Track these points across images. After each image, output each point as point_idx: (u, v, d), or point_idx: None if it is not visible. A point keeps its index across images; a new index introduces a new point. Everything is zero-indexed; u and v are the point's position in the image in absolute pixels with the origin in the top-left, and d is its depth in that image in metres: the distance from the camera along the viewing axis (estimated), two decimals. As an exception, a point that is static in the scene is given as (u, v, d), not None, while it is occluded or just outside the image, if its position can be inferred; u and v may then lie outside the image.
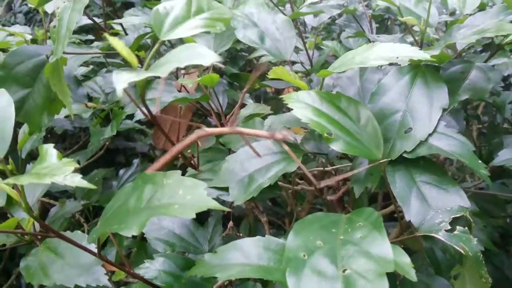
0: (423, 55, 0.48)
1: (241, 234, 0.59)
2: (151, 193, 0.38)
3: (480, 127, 0.95)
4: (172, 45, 0.85)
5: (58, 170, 0.35)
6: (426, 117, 0.51)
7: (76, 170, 0.38)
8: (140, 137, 1.24)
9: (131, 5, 1.61)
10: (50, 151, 0.38)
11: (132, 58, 0.38)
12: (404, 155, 0.49)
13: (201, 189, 0.37)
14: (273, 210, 0.96)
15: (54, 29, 0.53)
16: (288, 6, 0.86)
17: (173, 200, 0.37)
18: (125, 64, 0.95)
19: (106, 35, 0.36)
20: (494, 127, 0.90)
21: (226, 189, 0.50)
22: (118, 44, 0.37)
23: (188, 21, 0.45)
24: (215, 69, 0.90)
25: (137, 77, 0.32)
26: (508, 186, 0.87)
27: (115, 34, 1.01)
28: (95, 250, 0.46)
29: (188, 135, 0.46)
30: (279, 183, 0.55)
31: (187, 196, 0.37)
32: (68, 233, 0.49)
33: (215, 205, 0.36)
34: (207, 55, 0.34)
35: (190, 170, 0.59)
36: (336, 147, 0.46)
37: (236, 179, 0.49)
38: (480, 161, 0.46)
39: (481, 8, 0.85)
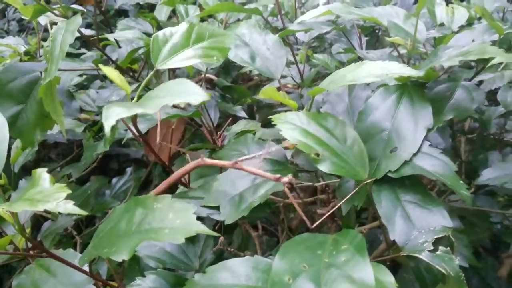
0: (413, 72, 0.49)
1: (232, 250, 0.60)
2: (142, 216, 0.40)
3: (469, 137, 0.96)
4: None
5: (51, 196, 0.36)
6: (411, 136, 0.52)
7: (70, 181, 0.39)
8: (133, 142, 1.24)
9: (125, 12, 1.61)
10: (43, 175, 0.39)
11: (125, 86, 0.39)
12: (389, 174, 0.50)
13: (190, 213, 0.38)
14: (266, 217, 0.97)
15: (47, 49, 0.54)
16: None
17: (163, 224, 0.38)
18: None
19: (100, 66, 0.37)
20: (482, 138, 0.91)
21: (217, 207, 0.51)
22: (112, 73, 0.38)
23: (186, 50, 0.46)
24: (207, 81, 0.92)
25: (128, 113, 0.33)
26: (497, 193, 0.88)
27: (108, 45, 1.02)
28: (87, 269, 0.47)
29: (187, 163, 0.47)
30: (270, 196, 0.56)
31: (177, 220, 0.38)
32: (60, 251, 0.49)
33: (204, 229, 0.37)
34: (198, 94, 0.35)
35: (181, 187, 0.60)
36: (323, 167, 0.47)
37: (227, 198, 0.50)
38: (461, 182, 0.48)
39: (469, 22, 0.87)
